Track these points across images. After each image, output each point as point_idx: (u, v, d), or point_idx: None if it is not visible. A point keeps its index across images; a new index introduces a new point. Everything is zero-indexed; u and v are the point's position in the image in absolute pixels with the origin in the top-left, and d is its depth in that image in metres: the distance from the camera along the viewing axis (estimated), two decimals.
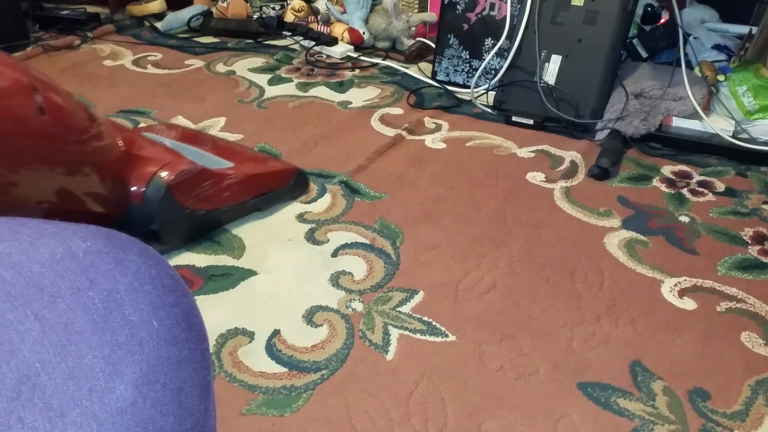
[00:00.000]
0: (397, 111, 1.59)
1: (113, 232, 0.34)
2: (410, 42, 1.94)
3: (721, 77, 1.48)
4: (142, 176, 0.97)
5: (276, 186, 1.19)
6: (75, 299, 0.29)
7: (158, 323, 0.31)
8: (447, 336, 0.89)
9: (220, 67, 1.85)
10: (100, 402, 0.27)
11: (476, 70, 1.67)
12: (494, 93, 1.59)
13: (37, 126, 0.80)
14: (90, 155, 0.89)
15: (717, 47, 1.62)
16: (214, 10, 2.22)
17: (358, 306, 0.94)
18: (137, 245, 0.34)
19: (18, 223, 0.33)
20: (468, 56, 1.70)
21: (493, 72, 1.63)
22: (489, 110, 1.58)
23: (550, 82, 1.49)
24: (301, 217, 1.15)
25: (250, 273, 1.01)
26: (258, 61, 1.91)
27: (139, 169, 0.98)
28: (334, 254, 1.05)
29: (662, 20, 1.61)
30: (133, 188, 0.97)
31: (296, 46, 2.03)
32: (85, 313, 0.29)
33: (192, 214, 1.04)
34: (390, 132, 1.48)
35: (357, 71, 1.84)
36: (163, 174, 0.98)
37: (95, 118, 0.92)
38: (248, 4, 2.22)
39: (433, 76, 1.76)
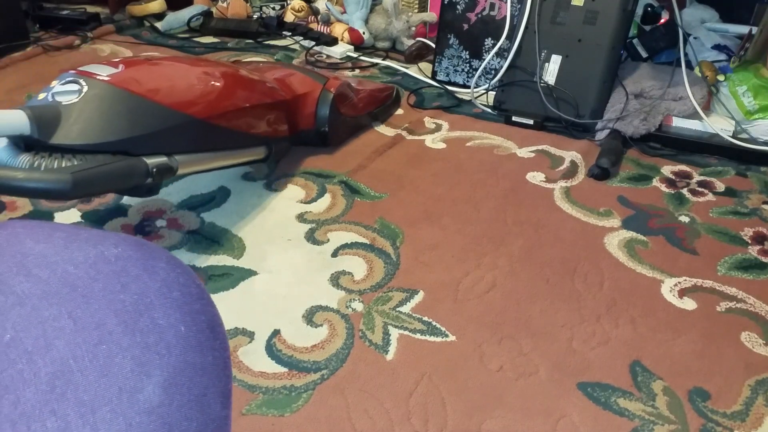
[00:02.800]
0: (397, 111, 1.59)
1: (142, 241, 0.35)
2: (410, 42, 1.94)
3: (721, 77, 1.48)
4: (310, 101, 1.33)
5: (386, 100, 1.55)
6: (107, 300, 0.30)
7: (185, 328, 0.32)
8: (447, 336, 0.89)
9: None
10: (129, 401, 0.28)
11: (476, 70, 1.67)
12: (494, 93, 1.59)
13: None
14: (274, 97, 1.23)
15: (717, 47, 1.62)
16: (214, 10, 2.22)
17: (358, 306, 0.94)
18: (165, 254, 0.35)
19: (52, 228, 0.34)
20: (468, 56, 1.70)
21: (493, 72, 1.63)
22: (489, 110, 1.58)
23: (550, 82, 1.49)
24: (301, 217, 1.15)
25: (250, 273, 1.01)
26: (258, 61, 1.91)
27: (306, 99, 1.32)
28: (334, 254, 1.05)
29: (662, 20, 1.61)
30: (304, 118, 1.32)
31: (296, 46, 2.03)
32: (117, 315, 0.30)
33: (344, 120, 1.40)
34: (390, 132, 1.48)
35: (357, 71, 1.84)
36: (330, 88, 1.34)
37: (267, 79, 1.26)
38: (248, 4, 2.22)
39: (433, 76, 1.76)
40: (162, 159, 0.95)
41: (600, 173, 1.29)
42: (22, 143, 0.87)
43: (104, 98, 0.90)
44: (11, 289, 0.29)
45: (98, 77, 0.92)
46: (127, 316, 0.30)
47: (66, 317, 0.29)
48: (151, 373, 0.29)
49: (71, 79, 0.91)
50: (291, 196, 1.21)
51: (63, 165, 0.84)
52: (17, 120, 0.84)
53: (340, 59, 1.92)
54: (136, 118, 0.92)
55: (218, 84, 1.08)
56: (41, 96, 0.91)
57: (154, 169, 0.93)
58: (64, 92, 0.90)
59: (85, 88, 0.90)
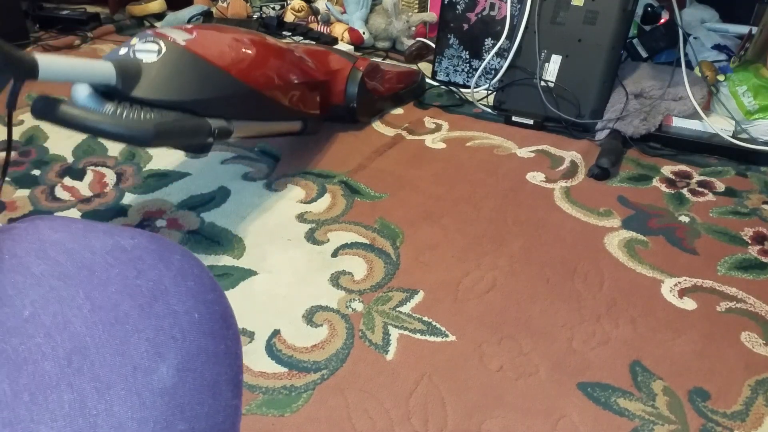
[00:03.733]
0: (397, 111, 1.59)
1: (157, 235, 0.36)
2: (410, 42, 1.94)
3: (721, 77, 1.48)
4: (341, 79, 1.41)
5: (412, 82, 1.65)
6: (123, 285, 0.31)
7: (199, 316, 0.32)
8: (447, 336, 0.89)
9: None
10: (144, 380, 0.28)
11: (476, 70, 1.67)
12: (494, 93, 1.59)
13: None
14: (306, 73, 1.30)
15: (717, 47, 1.62)
16: (214, 10, 2.22)
17: (358, 306, 0.94)
18: (180, 248, 0.36)
19: (70, 221, 0.35)
20: (468, 56, 1.70)
21: (493, 72, 1.63)
22: (489, 110, 1.58)
23: (550, 82, 1.49)
24: (301, 217, 1.15)
25: (250, 273, 1.01)
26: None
27: (337, 76, 1.41)
28: (334, 254, 1.05)
29: (662, 20, 1.61)
30: (336, 94, 1.42)
31: None
32: (133, 299, 0.31)
33: (372, 97, 1.50)
34: (390, 132, 1.48)
35: None
36: (359, 67, 1.43)
37: (298, 52, 1.32)
38: (248, 4, 2.22)
39: (433, 76, 1.76)
40: (222, 122, 1.03)
41: (600, 173, 1.29)
42: (102, 92, 0.94)
43: (180, 61, 0.98)
44: (29, 270, 0.30)
45: (175, 41, 1.00)
46: (143, 300, 0.31)
47: (83, 298, 0.29)
48: (166, 355, 0.30)
49: (151, 39, 1.00)
50: (291, 196, 1.21)
51: (144, 117, 0.92)
52: (107, 71, 0.92)
53: None
54: (206, 82, 1.01)
55: (275, 59, 1.18)
56: (122, 51, 0.99)
57: (216, 130, 1.01)
58: (145, 51, 0.98)
59: (164, 50, 0.98)
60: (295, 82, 1.23)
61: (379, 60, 1.63)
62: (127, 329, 0.29)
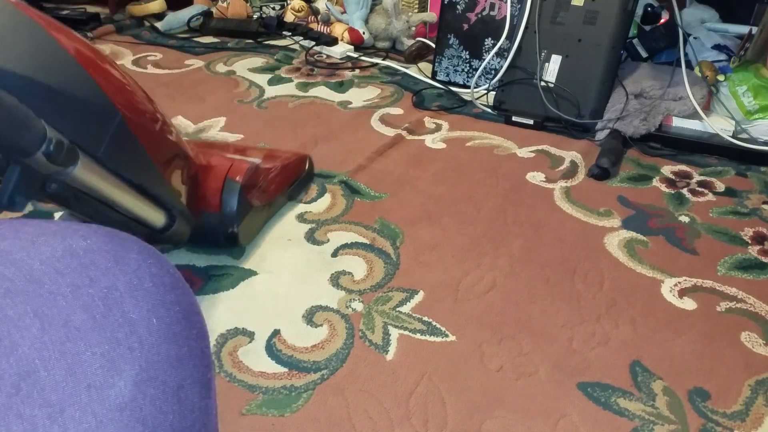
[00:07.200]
0: (397, 111, 1.59)
1: (114, 231, 0.34)
2: (410, 42, 1.94)
3: (721, 77, 1.48)
4: (214, 186, 1.00)
5: (299, 173, 1.23)
6: (74, 296, 0.29)
7: (158, 321, 0.31)
8: (447, 336, 0.89)
9: (220, 67, 1.85)
10: (99, 398, 0.27)
11: (476, 70, 1.67)
12: (494, 93, 1.59)
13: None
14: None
15: (717, 47, 1.62)
16: (214, 10, 2.22)
17: (358, 306, 0.94)
18: (138, 244, 0.34)
19: (22, 223, 0.33)
20: (468, 56, 1.70)
21: (493, 72, 1.63)
22: (489, 110, 1.58)
23: (550, 82, 1.49)
24: (301, 217, 1.15)
25: (250, 273, 1.01)
26: (258, 61, 1.91)
27: (209, 176, 1.00)
28: (334, 254, 1.05)
29: (662, 20, 1.61)
30: (207, 197, 0.99)
31: (296, 46, 2.03)
32: (85, 310, 0.29)
33: (255, 211, 1.07)
34: (390, 132, 1.47)
35: (357, 71, 1.84)
36: (235, 176, 1.00)
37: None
38: (248, 4, 2.22)
39: (433, 76, 1.76)
40: (62, 137, 0.68)
41: (600, 173, 1.29)
42: None
43: (11, 20, 0.71)
44: None
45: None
46: (96, 311, 0.29)
47: (31, 316, 0.28)
48: (122, 368, 0.28)
49: None
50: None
51: None
52: None
53: (340, 59, 1.92)
54: (46, 63, 0.71)
55: (137, 87, 0.83)
56: None
57: (53, 141, 0.65)
58: None
59: None
60: (157, 129, 0.84)
61: (257, 151, 1.23)
62: (79, 346, 0.28)
